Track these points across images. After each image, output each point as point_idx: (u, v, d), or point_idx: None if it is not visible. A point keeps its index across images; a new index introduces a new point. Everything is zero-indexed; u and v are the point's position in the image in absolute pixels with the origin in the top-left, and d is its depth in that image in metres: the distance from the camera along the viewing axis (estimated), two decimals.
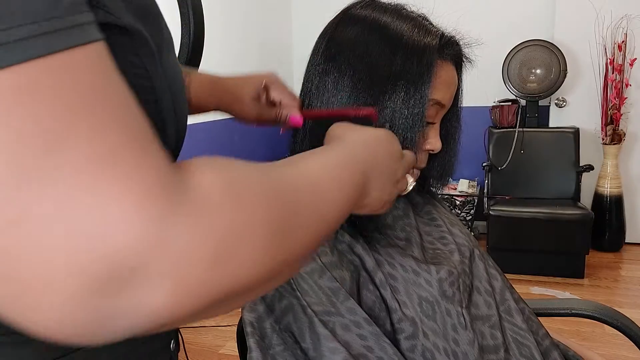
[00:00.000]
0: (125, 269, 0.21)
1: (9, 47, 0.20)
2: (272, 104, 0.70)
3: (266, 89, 0.70)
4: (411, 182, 0.57)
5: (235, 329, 0.78)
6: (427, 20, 0.68)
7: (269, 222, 0.27)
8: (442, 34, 0.65)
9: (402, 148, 0.62)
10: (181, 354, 2.08)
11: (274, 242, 0.27)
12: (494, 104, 3.20)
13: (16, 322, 0.22)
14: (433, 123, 0.67)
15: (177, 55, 1.05)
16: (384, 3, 0.67)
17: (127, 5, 0.24)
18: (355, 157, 0.41)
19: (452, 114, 0.73)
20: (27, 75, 0.20)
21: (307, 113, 0.66)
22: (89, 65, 0.22)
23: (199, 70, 1.10)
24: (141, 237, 0.21)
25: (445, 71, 0.65)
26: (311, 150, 0.40)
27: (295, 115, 0.66)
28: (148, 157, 0.23)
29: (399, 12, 0.66)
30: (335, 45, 0.65)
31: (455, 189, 3.28)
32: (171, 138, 0.38)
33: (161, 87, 0.35)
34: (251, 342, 0.57)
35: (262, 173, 0.29)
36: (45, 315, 0.21)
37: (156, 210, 0.22)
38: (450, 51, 0.66)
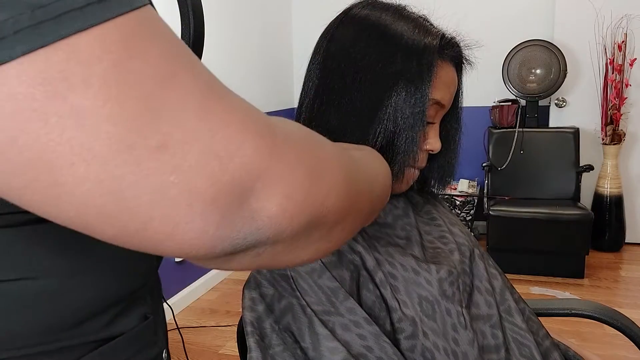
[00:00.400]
0: (249, 180, 0.25)
1: (106, 5, 0.23)
2: None
3: None
4: None
5: (235, 329, 0.78)
6: (428, 21, 0.68)
7: (341, 165, 0.33)
8: (443, 35, 0.65)
9: (404, 147, 0.63)
10: (181, 354, 2.06)
11: (347, 181, 0.33)
12: (494, 104, 3.20)
13: (159, 241, 0.25)
14: (432, 123, 0.67)
15: None
16: (385, 3, 0.67)
17: None
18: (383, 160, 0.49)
19: (452, 116, 0.73)
20: (127, 26, 0.23)
21: None
22: (158, 19, 0.25)
23: None
24: (258, 155, 0.26)
25: (445, 71, 0.65)
26: (348, 145, 0.48)
27: None
28: (235, 95, 0.27)
29: (400, 12, 0.66)
30: (337, 46, 0.65)
31: (455, 189, 3.28)
32: None
33: None
34: (251, 341, 0.57)
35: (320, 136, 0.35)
36: (192, 225, 0.24)
37: (263, 134, 0.26)
38: (451, 52, 0.66)
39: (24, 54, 0.21)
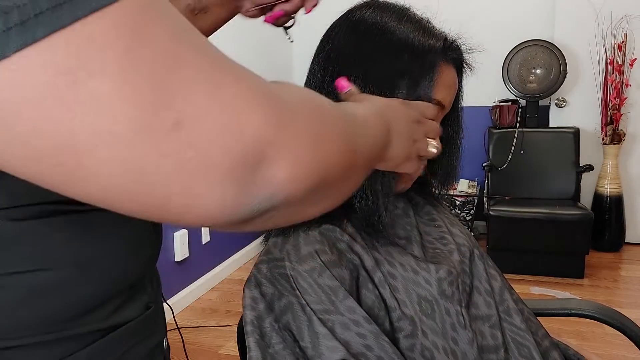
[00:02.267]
0: (260, 149, 0.26)
1: None
2: None
3: None
4: (434, 145, 0.55)
5: (236, 329, 0.78)
6: (431, 23, 0.68)
7: (342, 128, 0.35)
8: (446, 37, 0.66)
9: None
10: (181, 354, 2.05)
11: (347, 143, 0.35)
12: (494, 104, 3.20)
13: (181, 214, 0.26)
14: None
15: None
16: (389, 4, 0.67)
17: None
18: (381, 112, 0.48)
19: (454, 118, 0.73)
20: (135, 8, 0.24)
21: None
22: (164, 3, 0.26)
23: None
24: (266, 125, 0.27)
25: (446, 73, 0.65)
26: (346, 102, 0.49)
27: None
28: (240, 67, 0.28)
29: (404, 14, 0.66)
30: (340, 46, 0.65)
31: (455, 189, 3.28)
32: None
33: None
34: (250, 340, 0.57)
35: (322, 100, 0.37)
36: (211, 196, 0.26)
37: (270, 105, 0.27)
38: (453, 54, 0.66)
39: (45, 36, 0.21)
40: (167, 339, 0.52)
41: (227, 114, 0.25)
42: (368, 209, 0.63)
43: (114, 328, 0.41)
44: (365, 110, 0.45)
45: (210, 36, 0.73)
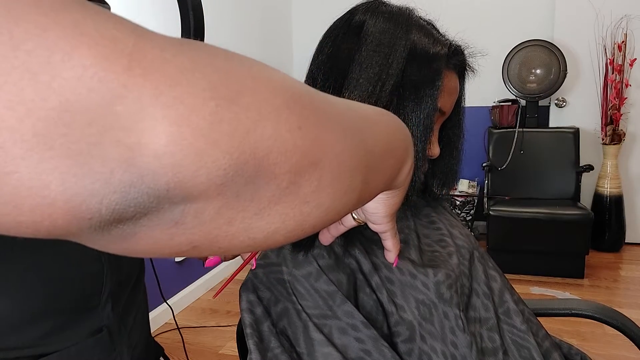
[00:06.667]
0: (99, 100, 0.17)
1: None
2: None
3: None
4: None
5: (235, 329, 0.78)
6: (435, 28, 0.66)
7: (281, 87, 0.22)
8: (450, 44, 0.64)
9: (414, 158, 0.62)
10: (181, 354, 2.06)
11: (298, 110, 0.22)
12: (494, 104, 3.20)
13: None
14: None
15: None
16: (392, 6, 0.66)
17: None
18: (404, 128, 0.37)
19: (455, 122, 0.72)
20: None
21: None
22: None
23: None
24: (106, 63, 0.17)
25: (448, 80, 0.64)
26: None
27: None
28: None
29: (408, 19, 0.64)
30: (341, 47, 0.64)
31: (455, 189, 3.28)
32: None
33: None
34: (250, 343, 0.57)
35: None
36: (18, 171, 0.16)
37: (115, 38, 0.17)
38: (455, 61, 0.65)
39: None
40: None
41: (24, 48, 0.16)
42: None
43: (41, 355, 0.35)
44: (370, 107, 0.33)
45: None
